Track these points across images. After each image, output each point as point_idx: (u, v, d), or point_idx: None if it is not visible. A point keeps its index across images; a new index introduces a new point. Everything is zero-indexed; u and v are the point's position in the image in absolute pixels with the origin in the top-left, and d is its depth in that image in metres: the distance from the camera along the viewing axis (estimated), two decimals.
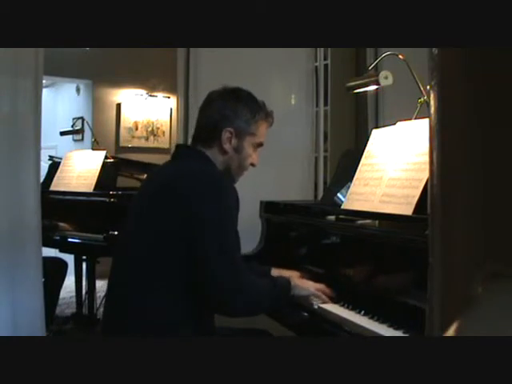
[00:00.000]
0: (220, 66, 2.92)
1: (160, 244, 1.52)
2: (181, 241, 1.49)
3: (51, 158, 3.99)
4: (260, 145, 1.74)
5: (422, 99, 1.99)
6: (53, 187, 3.50)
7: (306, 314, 1.74)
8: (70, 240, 3.23)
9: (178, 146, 1.79)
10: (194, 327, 1.54)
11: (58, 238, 3.25)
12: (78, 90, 5.82)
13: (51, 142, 5.14)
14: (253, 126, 1.69)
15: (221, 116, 1.66)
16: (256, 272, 1.88)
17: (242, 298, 1.52)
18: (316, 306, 1.70)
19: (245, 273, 1.54)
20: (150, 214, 1.57)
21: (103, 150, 3.55)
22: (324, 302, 1.71)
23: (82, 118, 4.94)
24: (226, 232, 1.52)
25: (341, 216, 1.95)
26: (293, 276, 1.83)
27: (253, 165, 1.74)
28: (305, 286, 1.75)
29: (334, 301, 1.73)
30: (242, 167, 1.72)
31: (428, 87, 0.87)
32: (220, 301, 1.53)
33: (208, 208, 1.50)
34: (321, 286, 1.76)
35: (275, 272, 1.91)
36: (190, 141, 1.79)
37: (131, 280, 1.56)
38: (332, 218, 2.00)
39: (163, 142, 5.89)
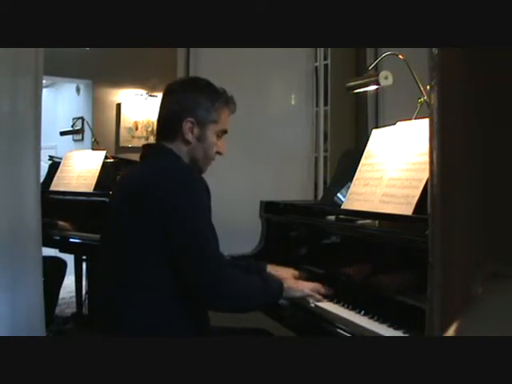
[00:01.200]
0: (220, 66, 2.92)
1: (140, 247, 1.52)
2: (159, 242, 1.50)
3: (51, 157, 3.99)
4: (224, 132, 1.72)
5: (421, 99, 1.99)
6: (53, 187, 3.50)
7: (305, 313, 1.74)
8: (70, 240, 3.22)
9: (143, 146, 1.77)
10: (187, 327, 1.54)
11: (58, 238, 3.24)
12: (78, 90, 5.82)
13: (51, 142, 5.14)
14: (213, 114, 1.67)
15: (180, 107, 1.65)
16: (252, 268, 1.88)
17: (221, 291, 1.52)
18: (313, 305, 1.70)
19: (224, 266, 1.54)
20: (126, 218, 1.56)
21: (103, 150, 3.55)
22: (319, 301, 1.71)
23: (82, 118, 4.94)
24: (200, 229, 1.52)
25: (341, 216, 1.95)
26: (288, 276, 1.82)
27: (219, 153, 1.72)
28: (298, 287, 1.73)
29: (330, 299, 1.72)
30: (207, 157, 1.70)
31: (428, 87, 0.87)
32: (201, 295, 1.53)
33: (177, 206, 1.50)
34: (315, 285, 1.75)
35: (271, 269, 1.90)
36: None
37: (117, 282, 1.56)
38: (332, 218, 2.00)
39: None
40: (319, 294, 1.73)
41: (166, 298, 1.53)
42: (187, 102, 1.65)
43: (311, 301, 1.71)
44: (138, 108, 5.80)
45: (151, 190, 1.52)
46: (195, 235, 1.51)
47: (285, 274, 1.84)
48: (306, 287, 1.74)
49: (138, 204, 1.53)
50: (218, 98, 1.68)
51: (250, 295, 1.62)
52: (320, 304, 1.70)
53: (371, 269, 1.71)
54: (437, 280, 0.81)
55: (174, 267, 1.51)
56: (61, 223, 3.26)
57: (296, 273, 1.89)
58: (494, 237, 0.76)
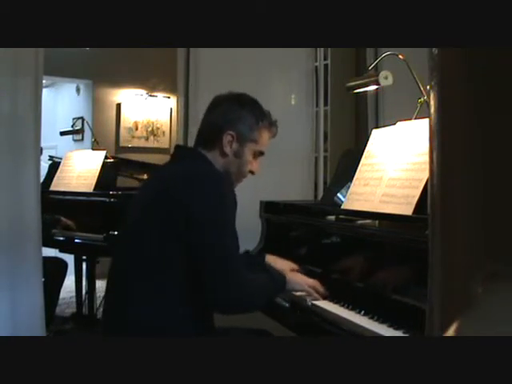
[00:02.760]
0: (220, 66, 2.92)
1: (159, 245, 1.52)
2: (179, 241, 1.49)
3: (51, 158, 3.99)
4: (261, 153, 1.74)
5: (421, 99, 1.99)
6: (53, 187, 3.50)
7: (305, 313, 1.74)
8: (69, 240, 3.22)
9: (176, 147, 1.79)
10: (194, 327, 1.54)
11: (60, 238, 3.24)
12: (78, 90, 5.82)
13: (51, 142, 5.14)
14: (255, 133, 1.68)
15: (224, 119, 1.66)
16: (253, 265, 1.88)
17: (239, 298, 1.53)
18: (309, 303, 1.71)
19: (243, 273, 1.54)
20: (149, 215, 1.56)
21: (103, 150, 3.55)
22: (316, 299, 1.73)
23: (82, 118, 4.94)
24: (223, 233, 1.52)
25: (341, 216, 1.95)
26: (287, 268, 1.85)
27: (252, 172, 1.74)
28: (298, 280, 1.76)
29: (330, 299, 1.73)
30: (240, 173, 1.71)
31: (428, 87, 0.87)
32: (217, 301, 1.53)
33: (204, 208, 1.50)
34: (313, 282, 1.76)
35: (270, 260, 1.92)
36: (190, 141, 1.79)
37: (130, 280, 1.56)
38: (332, 218, 2.00)
39: (163, 142, 5.89)
40: (317, 292, 1.74)
41: (175, 298, 1.52)
42: (232, 115, 1.66)
43: (308, 299, 1.72)
44: (138, 108, 5.80)
45: (178, 191, 1.53)
46: (217, 239, 1.50)
47: (284, 266, 1.86)
48: (305, 283, 1.75)
49: (165, 203, 1.53)
50: (263, 118, 1.70)
51: (260, 298, 1.64)
52: (320, 304, 1.71)
53: (371, 269, 1.71)
54: (437, 280, 0.81)
55: (189, 269, 1.50)
56: (63, 219, 3.23)
57: (295, 266, 1.90)
58: (494, 237, 0.76)
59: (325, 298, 1.75)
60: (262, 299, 1.66)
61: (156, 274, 1.52)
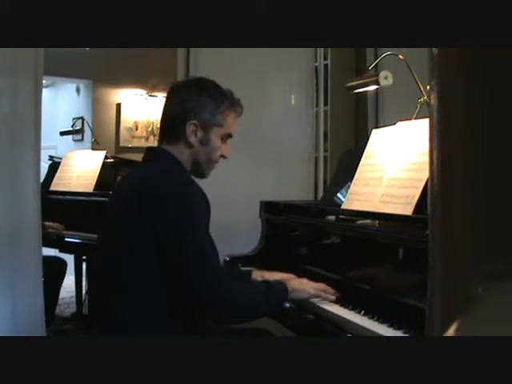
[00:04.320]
0: (220, 66, 2.92)
1: (134, 249, 1.48)
2: (153, 247, 1.46)
3: (51, 158, 3.99)
4: (229, 136, 1.67)
5: (422, 99, 1.99)
6: (53, 187, 3.50)
7: (306, 314, 1.74)
8: (69, 240, 3.22)
9: (146, 149, 1.73)
10: (184, 328, 1.51)
11: (55, 237, 3.24)
12: (77, 90, 5.82)
13: (51, 142, 5.14)
14: (219, 117, 1.61)
15: (184, 109, 1.60)
16: (237, 274, 1.86)
17: (222, 302, 1.48)
18: (321, 305, 1.69)
19: (222, 276, 1.50)
20: (122, 221, 1.53)
21: (103, 150, 3.55)
22: (325, 301, 1.68)
23: (82, 118, 4.94)
24: (196, 240, 1.47)
25: (341, 216, 1.95)
26: (289, 277, 1.79)
27: (223, 157, 1.67)
28: (303, 287, 1.69)
29: (336, 299, 1.70)
30: (211, 160, 1.65)
31: (428, 87, 0.87)
32: (200, 305, 1.50)
33: (171, 213, 1.46)
34: (320, 285, 1.71)
35: (269, 275, 1.86)
36: None
37: (113, 282, 1.53)
38: (332, 218, 2.00)
39: None
40: (324, 293, 1.70)
41: (160, 300, 1.49)
42: (191, 104, 1.60)
43: (316, 302, 1.69)
44: (138, 108, 5.79)
45: (146, 195, 1.48)
46: (191, 248, 1.46)
47: (285, 276, 1.82)
48: (311, 287, 1.70)
49: (132, 208, 1.50)
50: (224, 100, 1.63)
51: (252, 305, 1.58)
52: (320, 304, 1.70)
53: (371, 269, 1.71)
54: (437, 280, 0.81)
55: (169, 270, 1.46)
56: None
57: (294, 277, 1.84)
58: (493, 236, 0.76)
59: (337, 300, 1.68)
60: (257, 307, 1.59)
61: (138, 280, 1.48)
